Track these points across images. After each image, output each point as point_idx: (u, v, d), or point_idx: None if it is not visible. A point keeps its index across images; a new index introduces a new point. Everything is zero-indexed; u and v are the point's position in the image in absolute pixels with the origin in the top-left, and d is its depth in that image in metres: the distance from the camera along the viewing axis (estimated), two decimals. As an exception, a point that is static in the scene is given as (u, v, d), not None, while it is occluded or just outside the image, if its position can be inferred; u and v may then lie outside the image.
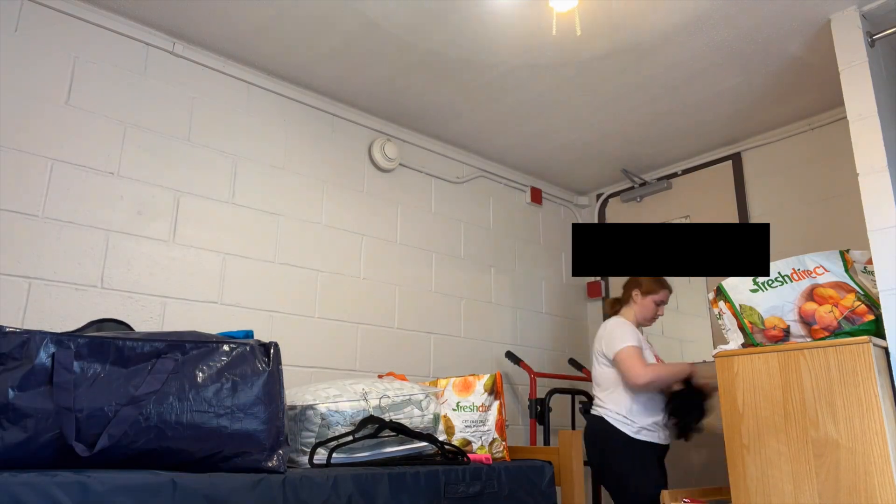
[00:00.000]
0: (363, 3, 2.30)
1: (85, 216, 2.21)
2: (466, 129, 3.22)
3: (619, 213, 3.87)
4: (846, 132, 2.97)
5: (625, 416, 2.54)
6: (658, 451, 2.56)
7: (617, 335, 2.60)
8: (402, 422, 1.88)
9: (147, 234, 2.33)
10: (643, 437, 2.51)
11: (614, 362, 2.58)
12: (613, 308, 2.87)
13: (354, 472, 1.58)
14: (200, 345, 1.51)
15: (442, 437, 2.01)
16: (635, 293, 2.77)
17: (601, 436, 2.57)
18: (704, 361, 3.28)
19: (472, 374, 2.33)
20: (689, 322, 3.41)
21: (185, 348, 1.49)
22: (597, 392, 2.69)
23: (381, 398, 1.87)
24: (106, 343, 1.42)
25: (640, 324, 2.76)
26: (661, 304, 2.80)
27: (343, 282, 2.82)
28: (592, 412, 2.70)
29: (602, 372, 2.65)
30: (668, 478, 3.29)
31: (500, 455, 2.12)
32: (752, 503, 2.02)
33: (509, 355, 3.28)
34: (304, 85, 2.83)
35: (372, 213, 3.00)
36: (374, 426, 1.80)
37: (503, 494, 1.88)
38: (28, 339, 1.35)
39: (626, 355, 2.53)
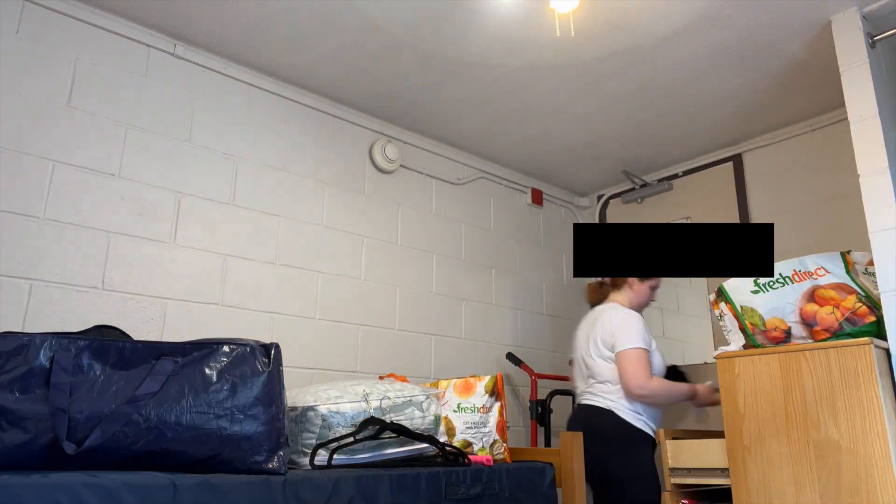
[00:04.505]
0: (364, 5, 2.30)
1: (86, 218, 2.21)
2: (467, 131, 3.22)
3: (620, 215, 3.87)
4: (847, 133, 2.96)
5: (640, 414, 2.39)
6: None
7: (629, 330, 2.38)
8: (403, 423, 1.88)
9: (148, 235, 2.33)
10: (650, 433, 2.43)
11: (617, 357, 2.38)
12: (599, 294, 2.66)
13: (355, 473, 1.58)
14: (200, 347, 1.51)
15: (443, 439, 2.01)
16: (631, 278, 2.61)
17: (611, 429, 2.38)
18: (705, 363, 3.28)
19: (473, 376, 2.33)
20: (690, 323, 3.41)
21: (185, 350, 1.49)
22: (598, 385, 2.47)
23: (381, 399, 1.87)
24: (106, 345, 1.42)
25: (635, 308, 2.59)
26: (656, 289, 2.61)
27: (344, 283, 2.82)
28: (590, 402, 2.48)
29: (607, 367, 2.44)
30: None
31: (501, 456, 2.12)
32: (754, 505, 2.02)
33: (510, 356, 3.27)
34: (305, 86, 2.84)
35: (373, 215, 3.00)
36: (375, 427, 1.80)
37: (504, 496, 1.88)
38: (28, 342, 1.35)
39: (635, 357, 2.33)
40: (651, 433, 2.42)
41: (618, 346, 2.40)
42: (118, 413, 1.34)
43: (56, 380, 1.32)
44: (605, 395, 2.44)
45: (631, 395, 2.37)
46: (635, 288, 2.61)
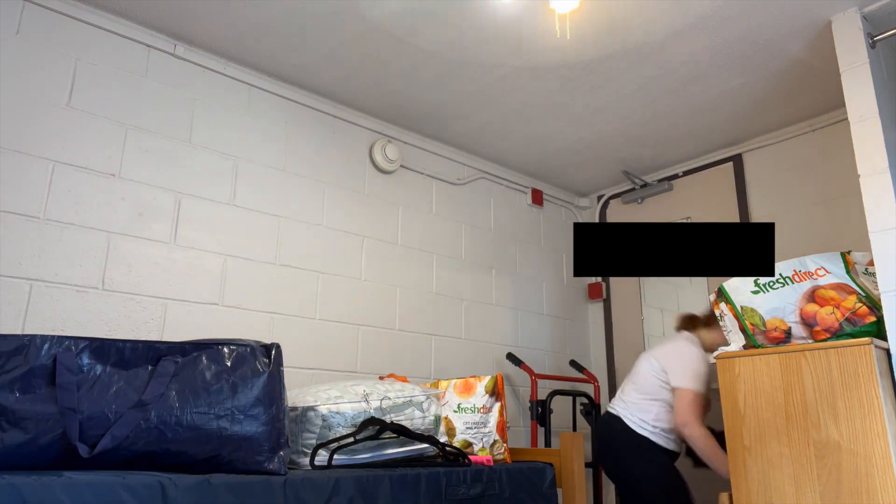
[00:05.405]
0: (364, 5, 2.30)
1: (86, 218, 2.21)
2: (467, 131, 3.22)
3: (620, 215, 3.87)
4: (847, 133, 2.96)
5: (647, 424, 2.51)
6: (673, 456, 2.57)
7: (691, 369, 2.46)
8: (404, 423, 1.88)
9: (148, 235, 2.33)
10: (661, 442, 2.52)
11: (673, 391, 2.48)
12: (687, 324, 2.68)
13: (356, 473, 1.58)
14: (200, 346, 1.51)
15: (443, 439, 2.01)
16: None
17: (621, 436, 2.52)
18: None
19: (473, 376, 2.33)
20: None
21: (185, 350, 1.49)
22: (630, 391, 2.58)
23: (382, 400, 1.87)
24: (106, 345, 1.42)
25: (707, 350, 2.61)
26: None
27: (344, 283, 2.82)
28: (608, 409, 2.64)
29: (652, 382, 2.54)
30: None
31: (502, 457, 2.12)
32: (754, 505, 2.01)
33: (510, 357, 3.27)
34: (305, 86, 2.84)
35: (373, 215, 3.00)
36: (375, 428, 1.80)
37: (504, 496, 1.88)
38: (29, 342, 1.35)
39: (690, 400, 2.42)
40: (663, 444, 2.50)
41: (676, 381, 2.47)
42: (129, 418, 1.34)
43: (62, 380, 1.32)
44: (625, 402, 2.58)
45: (676, 427, 2.46)
46: (718, 331, 2.60)
